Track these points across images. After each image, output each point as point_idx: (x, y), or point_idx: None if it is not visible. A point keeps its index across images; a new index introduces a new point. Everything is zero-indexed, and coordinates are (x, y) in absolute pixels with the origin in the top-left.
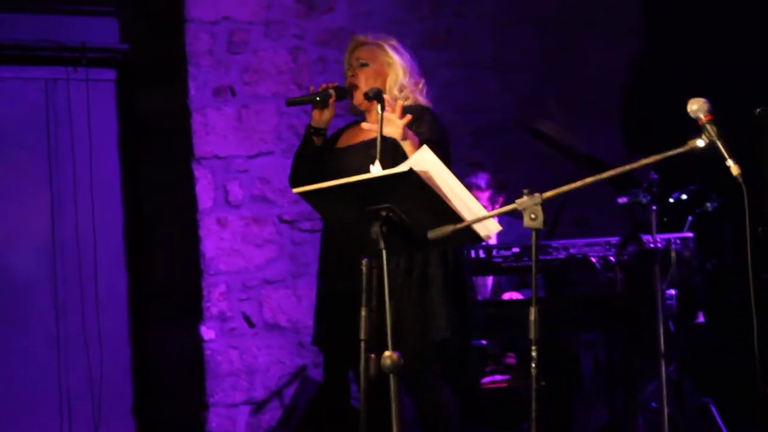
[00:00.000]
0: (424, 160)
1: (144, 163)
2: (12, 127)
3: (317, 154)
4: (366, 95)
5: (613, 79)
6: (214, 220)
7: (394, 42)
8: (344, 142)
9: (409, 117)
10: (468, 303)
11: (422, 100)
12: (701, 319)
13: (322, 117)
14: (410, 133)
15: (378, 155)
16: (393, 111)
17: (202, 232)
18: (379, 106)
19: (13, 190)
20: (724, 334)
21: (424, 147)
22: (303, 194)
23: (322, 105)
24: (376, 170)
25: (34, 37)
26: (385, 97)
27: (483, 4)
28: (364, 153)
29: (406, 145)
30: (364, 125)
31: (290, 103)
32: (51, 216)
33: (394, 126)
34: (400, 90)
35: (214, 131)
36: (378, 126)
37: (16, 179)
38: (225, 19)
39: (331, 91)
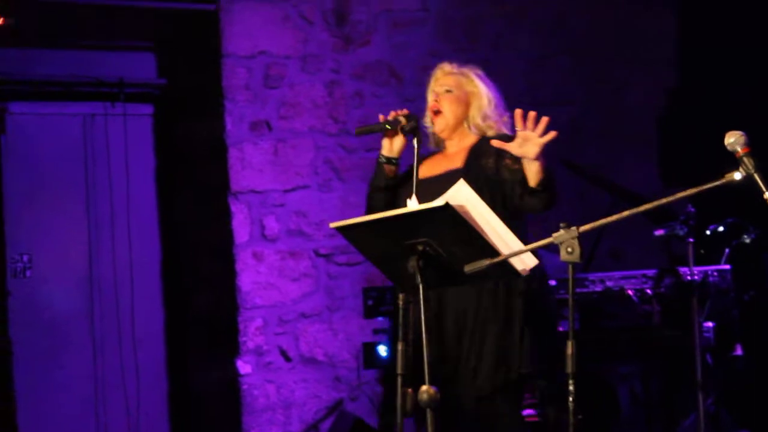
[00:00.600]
0: (461, 194)
1: (181, 197)
2: (51, 162)
3: (390, 184)
4: (403, 129)
5: (649, 110)
6: (251, 254)
7: (480, 72)
8: (425, 173)
9: (553, 134)
10: (553, 336)
11: (506, 132)
12: (739, 351)
13: (393, 146)
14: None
15: (414, 189)
16: (533, 128)
17: (238, 266)
18: (415, 141)
19: (51, 224)
20: (763, 367)
21: (461, 181)
22: (340, 229)
23: (393, 133)
24: (413, 204)
25: (73, 73)
26: (526, 113)
27: (518, 36)
28: (446, 185)
29: (533, 166)
30: (447, 153)
31: (359, 133)
32: (89, 250)
33: (532, 144)
34: (484, 119)
35: (250, 165)
36: (416, 160)
37: (55, 214)
38: (261, 54)
39: (401, 119)
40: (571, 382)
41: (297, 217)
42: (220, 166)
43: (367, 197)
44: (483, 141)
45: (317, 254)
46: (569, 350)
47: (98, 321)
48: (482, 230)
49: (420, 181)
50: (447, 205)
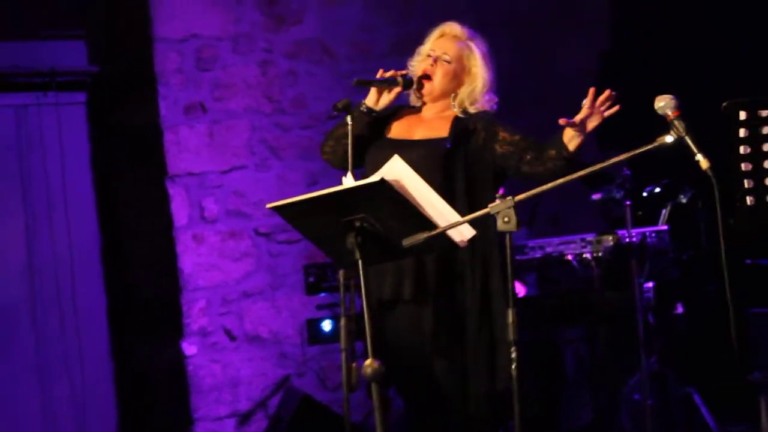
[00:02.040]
0: (396, 169)
1: (118, 183)
2: None
3: (360, 134)
4: (334, 106)
5: (582, 75)
6: (191, 237)
7: (486, 49)
8: (398, 133)
9: (616, 108)
10: None
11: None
12: (680, 309)
13: (379, 101)
14: None
15: (350, 166)
16: (601, 104)
17: (179, 249)
18: (348, 118)
19: None
20: (704, 324)
21: (396, 156)
22: (277, 209)
23: (387, 89)
24: (349, 181)
25: (3, 65)
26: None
27: (454, 7)
28: (430, 151)
29: (580, 137)
30: (423, 115)
31: (358, 83)
32: (27, 241)
33: (595, 118)
34: (472, 102)
35: (186, 148)
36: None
37: None
38: (193, 37)
39: (399, 79)
40: (513, 349)
41: (235, 197)
42: (156, 150)
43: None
44: (468, 117)
45: (257, 233)
46: (510, 318)
47: (40, 310)
48: (419, 204)
49: (395, 141)
50: (383, 181)
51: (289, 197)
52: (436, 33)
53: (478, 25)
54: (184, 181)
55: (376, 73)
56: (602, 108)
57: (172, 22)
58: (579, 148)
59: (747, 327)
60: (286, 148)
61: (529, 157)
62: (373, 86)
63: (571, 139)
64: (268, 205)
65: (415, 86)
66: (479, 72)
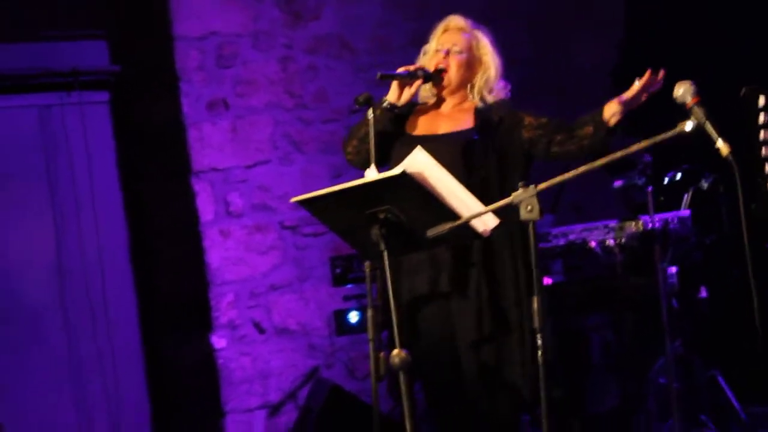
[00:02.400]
0: (418, 161)
1: (144, 180)
2: (9, 156)
3: (381, 130)
4: (356, 100)
5: (601, 67)
6: (217, 232)
7: (491, 37)
8: (423, 130)
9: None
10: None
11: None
12: (704, 294)
13: (402, 96)
14: None
15: (372, 159)
16: (653, 81)
17: (206, 244)
18: (370, 111)
19: (15, 218)
20: (727, 307)
21: (418, 147)
22: (302, 203)
23: (408, 83)
24: (372, 174)
25: (26, 66)
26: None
27: (469, 2)
28: (458, 145)
29: (622, 112)
30: (442, 111)
31: (382, 77)
32: (56, 241)
33: (644, 95)
34: (489, 91)
35: (210, 144)
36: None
37: (18, 207)
38: (212, 34)
39: (420, 73)
40: (539, 336)
41: (260, 191)
42: (180, 147)
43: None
44: (488, 106)
45: (283, 227)
46: (535, 305)
47: (71, 309)
48: (441, 195)
49: (421, 137)
50: (404, 173)
51: (314, 190)
52: (440, 28)
53: (494, 18)
54: (209, 176)
55: (395, 68)
56: (653, 85)
57: (191, 20)
58: (618, 125)
59: None
60: (308, 142)
61: (559, 137)
62: (396, 80)
63: (613, 114)
64: (293, 199)
65: (434, 79)
66: (490, 59)
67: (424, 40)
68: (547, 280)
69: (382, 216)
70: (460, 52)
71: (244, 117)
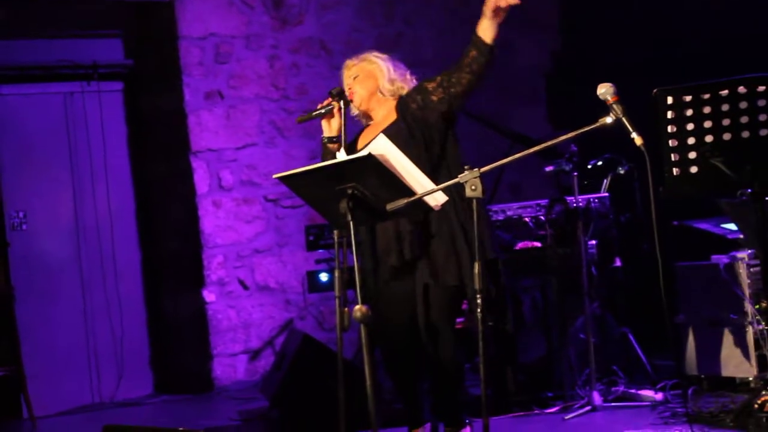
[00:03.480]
0: (381, 146)
1: (150, 158)
2: (38, 134)
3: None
4: (330, 93)
5: (537, 68)
6: (211, 203)
7: (375, 52)
8: (362, 143)
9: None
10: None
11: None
12: (618, 263)
13: (331, 126)
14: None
15: (343, 143)
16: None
17: (201, 213)
18: (342, 102)
19: (42, 185)
20: (637, 275)
21: (381, 135)
22: (282, 179)
23: (329, 116)
24: (342, 156)
25: (53, 58)
26: None
27: (428, 12)
28: (391, 137)
29: (494, 24)
30: (372, 124)
31: (300, 121)
32: (74, 206)
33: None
34: (392, 83)
35: (207, 129)
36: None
37: (44, 177)
38: (212, 35)
39: (334, 103)
40: (478, 296)
41: (248, 169)
42: (181, 130)
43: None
44: (402, 97)
45: (266, 200)
46: (476, 269)
47: (85, 264)
48: (400, 174)
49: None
50: (370, 155)
51: (293, 169)
52: (343, 74)
53: (447, 23)
54: (205, 156)
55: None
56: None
57: (194, 23)
58: (496, 38)
59: (673, 277)
60: (290, 129)
61: (454, 78)
62: (313, 119)
63: (485, 31)
64: (275, 176)
65: (348, 103)
66: (379, 63)
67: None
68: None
69: (349, 192)
70: (356, 77)
71: (236, 106)
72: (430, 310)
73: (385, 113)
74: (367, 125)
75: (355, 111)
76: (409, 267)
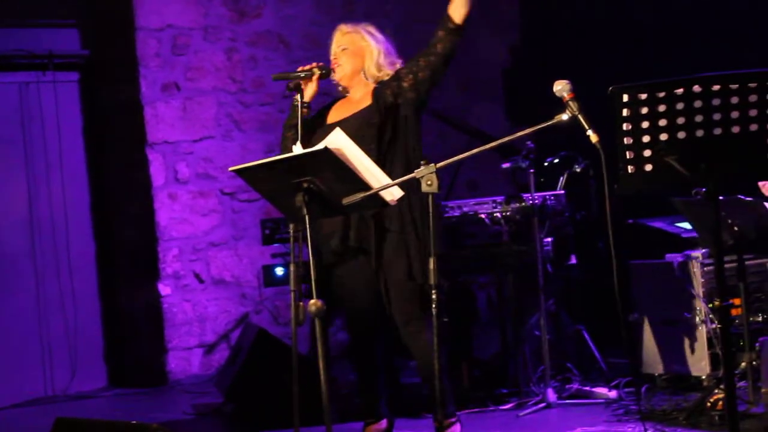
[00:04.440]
0: (338, 140)
1: (106, 149)
2: None
3: (303, 125)
4: (287, 86)
5: (496, 65)
6: (166, 195)
7: (370, 28)
8: (334, 117)
9: None
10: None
11: None
12: (573, 261)
13: (306, 92)
14: None
15: (300, 137)
16: None
17: (156, 205)
18: (298, 96)
19: None
20: (592, 273)
21: (337, 129)
22: (238, 172)
23: (307, 81)
24: (298, 149)
25: (8, 48)
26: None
27: (384, 4)
28: (360, 122)
29: (460, 7)
30: (350, 98)
31: (277, 78)
32: (28, 197)
33: None
34: (378, 69)
35: (163, 121)
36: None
37: None
38: (169, 27)
39: (316, 70)
40: (433, 291)
41: (204, 162)
42: (137, 122)
43: (281, 137)
44: (381, 83)
45: (222, 193)
46: (431, 265)
47: (39, 256)
48: (356, 169)
49: (333, 124)
50: (326, 149)
51: (249, 162)
52: (332, 40)
53: (408, 19)
54: (161, 148)
55: (320, 60)
56: None
57: (151, 14)
58: (467, 18)
59: (627, 276)
60: (247, 122)
61: (422, 62)
62: (290, 78)
63: (455, 9)
64: (231, 168)
65: (330, 73)
66: (371, 44)
67: None
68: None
69: (305, 185)
70: (345, 49)
71: (192, 98)
72: (392, 300)
73: (361, 95)
74: (343, 97)
75: (334, 81)
76: (354, 253)
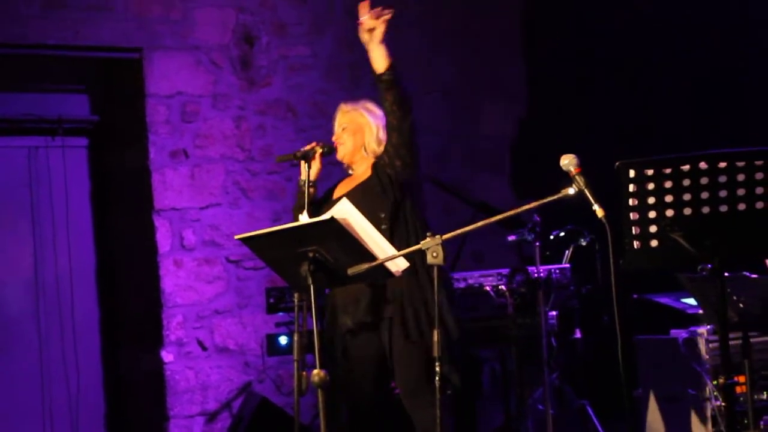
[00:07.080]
0: (344, 210)
1: (113, 215)
2: (1, 187)
3: (311, 203)
4: (294, 155)
5: (503, 138)
6: (172, 262)
7: (369, 105)
8: (339, 192)
9: (390, 12)
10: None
11: None
12: (578, 335)
13: (311, 171)
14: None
15: (306, 206)
16: (375, 16)
17: (161, 272)
18: (306, 165)
19: (2, 240)
20: (597, 347)
21: (344, 199)
22: (244, 240)
23: (311, 161)
24: (304, 219)
25: (18, 112)
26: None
27: None
28: (361, 195)
29: (380, 50)
30: (353, 175)
31: (279, 160)
32: (34, 261)
33: (377, 30)
34: (378, 144)
35: (171, 187)
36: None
37: (4, 231)
38: (179, 94)
39: (317, 149)
40: (437, 363)
41: (211, 230)
42: (145, 188)
43: (293, 218)
44: (379, 156)
45: (228, 261)
46: (435, 337)
47: (44, 320)
48: (362, 239)
49: (336, 200)
50: (332, 219)
51: (255, 231)
52: (335, 118)
53: (414, 93)
54: (168, 214)
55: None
56: (378, 18)
57: (161, 81)
58: (391, 67)
59: (632, 351)
60: (254, 190)
61: (390, 148)
62: (290, 159)
63: (376, 63)
64: (237, 237)
65: (332, 152)
66: (370, 120)
67: None
68: None
69: (311, 255)
70: (345, 128)
71: (201, 165)
72: (404, 372)
73: (363, 169)
74: (345, 177)
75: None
76: (368, 327)
